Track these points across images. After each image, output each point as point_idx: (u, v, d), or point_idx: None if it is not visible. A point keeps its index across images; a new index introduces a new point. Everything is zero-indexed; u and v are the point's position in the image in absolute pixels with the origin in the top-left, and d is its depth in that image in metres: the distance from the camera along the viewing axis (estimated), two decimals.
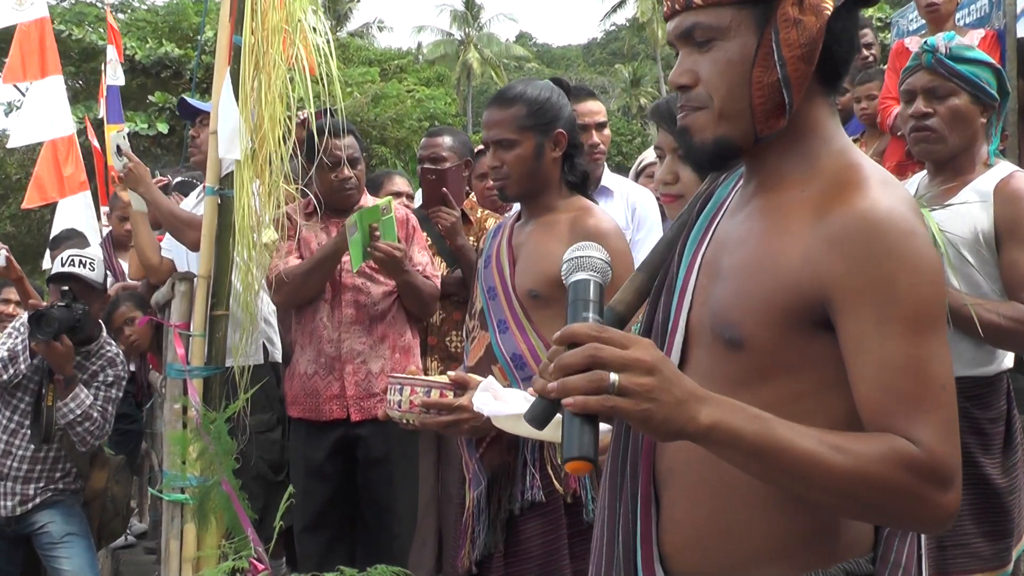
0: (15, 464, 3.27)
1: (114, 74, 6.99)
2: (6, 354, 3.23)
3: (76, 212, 5.81)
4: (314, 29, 2.86)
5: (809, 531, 1.08)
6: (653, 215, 3.22)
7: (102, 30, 13.17)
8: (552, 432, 1.03)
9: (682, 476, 1.14)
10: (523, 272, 2.08)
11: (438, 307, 3.19)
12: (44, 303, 3.53)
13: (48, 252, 5.31)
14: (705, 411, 0.97)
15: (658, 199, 2.93)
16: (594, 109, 3.28)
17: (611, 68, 40.30)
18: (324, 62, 2.75)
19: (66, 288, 3.31)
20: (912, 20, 4.63)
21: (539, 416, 1.00)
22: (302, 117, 3.01)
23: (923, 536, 1.15)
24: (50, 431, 3.22)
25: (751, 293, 1.08)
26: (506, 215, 2.71)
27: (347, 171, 3.09)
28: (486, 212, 3.38)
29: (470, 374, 1.91)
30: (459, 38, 38.09)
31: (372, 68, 18.10)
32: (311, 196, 3.05)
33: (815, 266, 1.04)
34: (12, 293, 4.03)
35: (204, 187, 3.08)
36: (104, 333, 3.41)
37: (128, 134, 3.63)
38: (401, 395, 1.80)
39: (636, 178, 3.56)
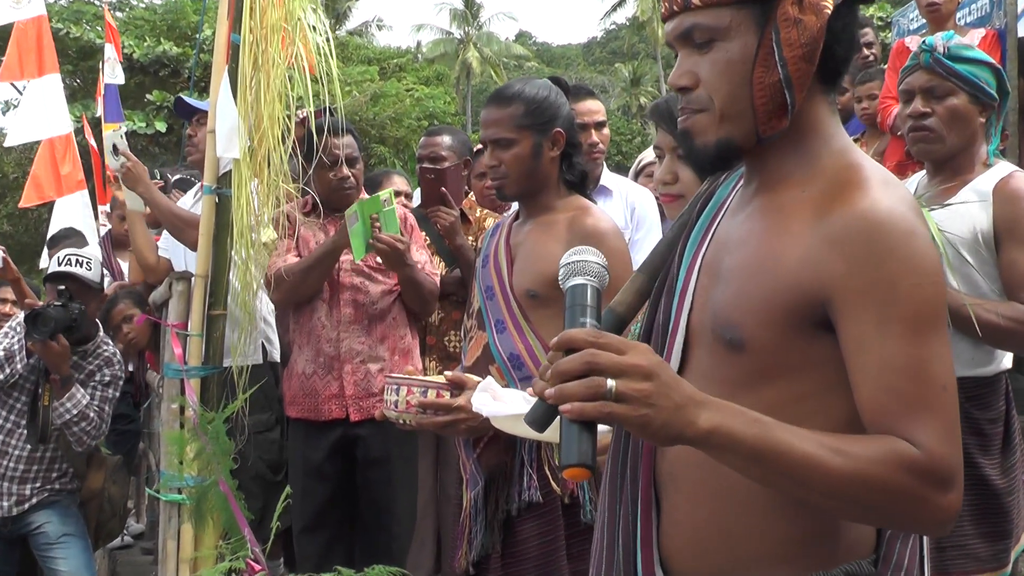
0: (11, 464, 3.26)
1: (112, 72, 6.97)
2: (2, 354, 3.23)
3: (73, 211, 5.80)
4: (313, 28, 2.85)
5: (810, 533, 1.08)
6: (652, 215, 3.22)
7: (100, 28, 13.15)
8: (552, 433, 1.02)
9: (683, 479, 1.13)
10: (521, 272, 2.07)
11: (437, 306, 3.18)
12: (41, 303, 3.52)
13: (46, 251, 5.30)
14: (704, 415, 0.97)
15: (657, 199, 2.92)
16: (593, 108, 3.28)
17: (611, 67, 40.31)
18: (324, 61, 2.74)
19: (62, 287, 3.30)
20: (913, 19, 4.63)
21: (539, 419, 1.00)
22: (301, 116, 3.00)
23: (925, 538, 1.15)
24: (46, 431, 3.21)
25: (752, 294, 1.08)
26: (505, 214, 2.71)
27: (345, 170, 3.09)
28: (485, 212, 3.37)
29: (467, 374, 1.90)
30: (458, 37, 38.08)
31: (371, 67, 18.09)
32: (310, 195, 3.04)
33: (816, 266, 1.04)
34: (8, 293, 4.01)
35: (202, 186, 3.07)
36: (101, 332, 3.40)
37: (126, 133, 3.62)
38: (398, 395, 1.79)
39: (635, 178, 3.55)
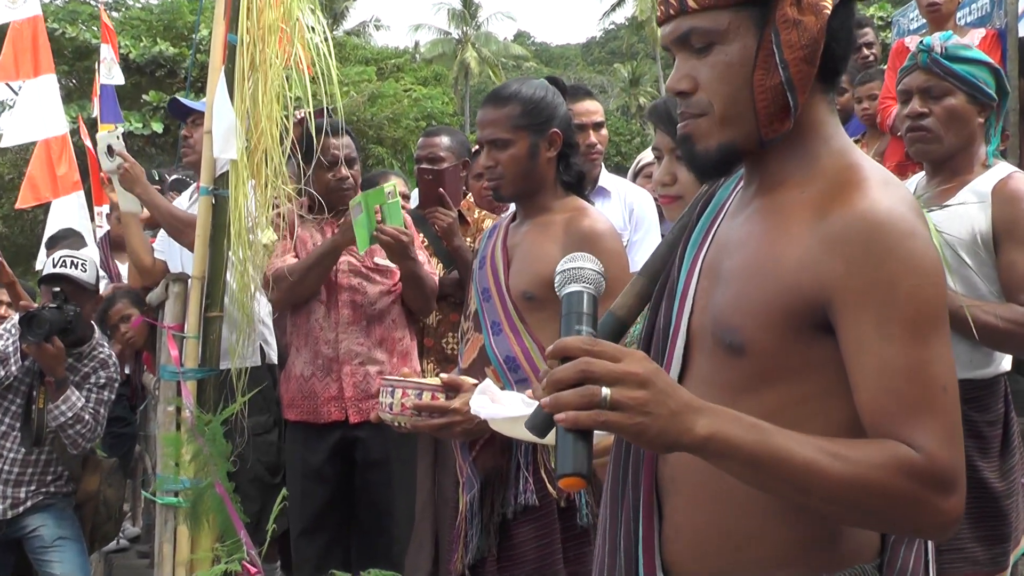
0: (6, 467, 3.25)
1: (109, 73, 6.96)
2: None
3: (70, 212, 5.78)
4: (312, 28, 2.84)
5: (812, 538, 1.07)
6: (651, 216, 3.21)
7: (96, 28, 13.13)
8: (552, 438, 1.02)
9: (683, 482, 1.12)
10: (517, 274, 2.06)
11: (435, 306, 3.17)
12: (36, 305, 3.51)
13: (43, 252, 5.29)
14: (701, 422, 0.96)
15: (656, 200, 2.91)
16: (591, 109, 3.27)
17: (610, 67, 40.33)
18: (323, 61, 2.73)
19: (57, 289, 3.28)
20: (913, 19, 4.63)
21: (539, 425, 0.99)
22: (299, 116, 2.99)
23: (930, 542, 1.14)
24: (41, 434, 3.20)
25: (752, 296, 1.07)
26: (503, 216, 2.70)
27: (344, 171, 3.08)
28: (483, 213, 3.36)
29: (462, 376, 1.89)
30: (457, 37, 38.09)
31: (369, 67, 18.08)
32: (308, 196, 3.03)
33: (815, 268, 1.03)
34: (3, 295, 4.00)
35: (198, 186, 3.06)
36: (97, 335, 3.39)
37: (123, 134, 3.61)
38: (393, 398, 1.79)
39: (634, 179, 3.54)
